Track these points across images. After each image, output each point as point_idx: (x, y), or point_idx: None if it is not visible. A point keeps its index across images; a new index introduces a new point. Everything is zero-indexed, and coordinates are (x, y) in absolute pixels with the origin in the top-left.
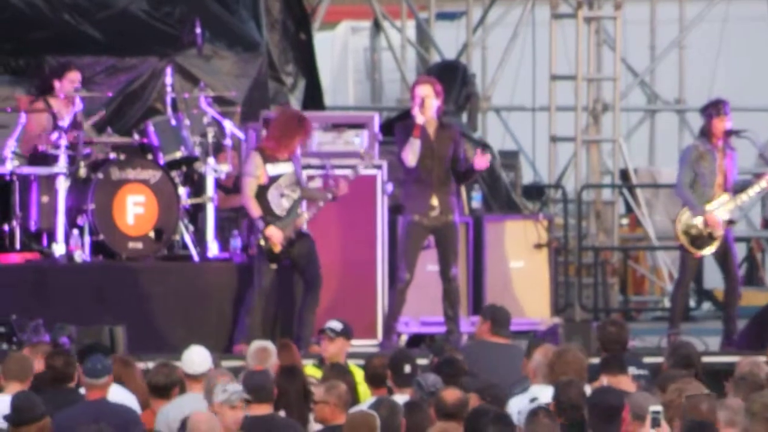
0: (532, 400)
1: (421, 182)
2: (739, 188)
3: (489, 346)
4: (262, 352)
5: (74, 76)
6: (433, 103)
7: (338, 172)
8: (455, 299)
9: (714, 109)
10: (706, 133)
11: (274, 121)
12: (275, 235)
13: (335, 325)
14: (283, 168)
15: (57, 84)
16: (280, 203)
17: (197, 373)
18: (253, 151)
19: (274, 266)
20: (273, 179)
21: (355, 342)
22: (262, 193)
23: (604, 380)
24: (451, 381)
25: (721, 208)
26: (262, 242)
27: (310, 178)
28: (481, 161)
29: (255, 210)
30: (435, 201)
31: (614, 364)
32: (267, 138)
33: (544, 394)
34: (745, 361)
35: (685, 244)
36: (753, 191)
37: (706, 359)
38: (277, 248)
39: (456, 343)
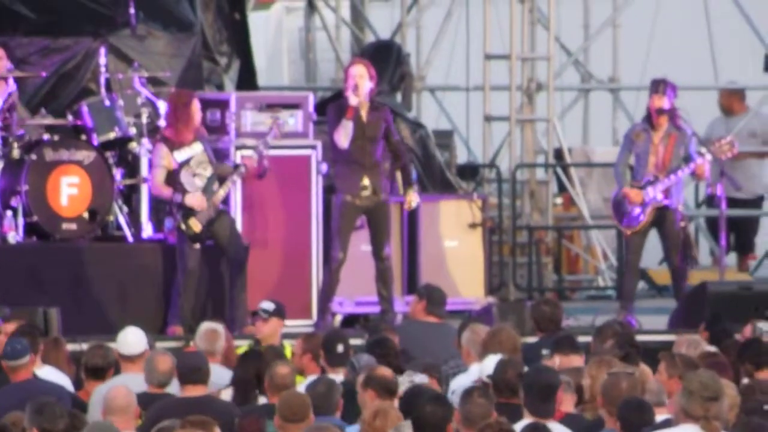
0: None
1: (352, 163)
2: (674, 169)
3: (422, 326)
4: (211, 334)
5: None
6: (366, 85)
7: (272, 152)
8: (389, 279)
9: (651, 87)
10: (648, 114)
11: (167, 108)
12: (197, 200)
13: (268, 305)
14: (191, 151)
15: None
16: (193, 183)
17: (132, 354)
18: (158, 143)
19: (197, 246)
20: (183, 164)
21: (289, 322)
22: (174, 177)
23: (557, 360)
24: (382, 361)
25: (648, 187)
26: (182, 225)
27: (246, 158)
28: (409, 200)
29: (166, 192)
30: (366, 181)
31: (566, 343)
32: (166, 127)
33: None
34: (682, 338)
35: (617, 223)
36: (681, 173)
37: (639, 338)
38: (198, 227)
39: (390, 323)
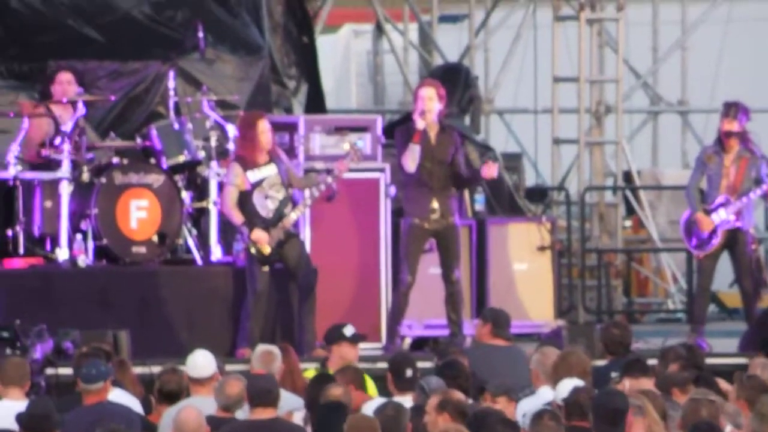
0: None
1: (421, 185)
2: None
3: (489, 349)
4: (267, 356)
5: (63, 77)
6: (435, 107)
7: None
8: (458, 302)
9: (722, 110)
10: (719, 137)
11: (236, 130)
12: (261, 237)
13: (353, 329)
14: (265, 172)
15: (52, 88)
16: (265, 205)
17: (202, 377)
18: (232, 162)
19: (266, 269)
20: (255, 185)
21: (359, 345)
22: (246, 198)
23: (626, 383)
24: (453, 383)
25: (720, 210)
26: (252, 249)
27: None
28: (488, 169)
29: (237, 218)
30: (435, 204)
31: (636, 367)
32: (238, 147)
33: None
34: (756, 361)
35: (688, 246)
36: (752, 195)
37: (710, 361)
38: (267, 249)
39: (460, 346)
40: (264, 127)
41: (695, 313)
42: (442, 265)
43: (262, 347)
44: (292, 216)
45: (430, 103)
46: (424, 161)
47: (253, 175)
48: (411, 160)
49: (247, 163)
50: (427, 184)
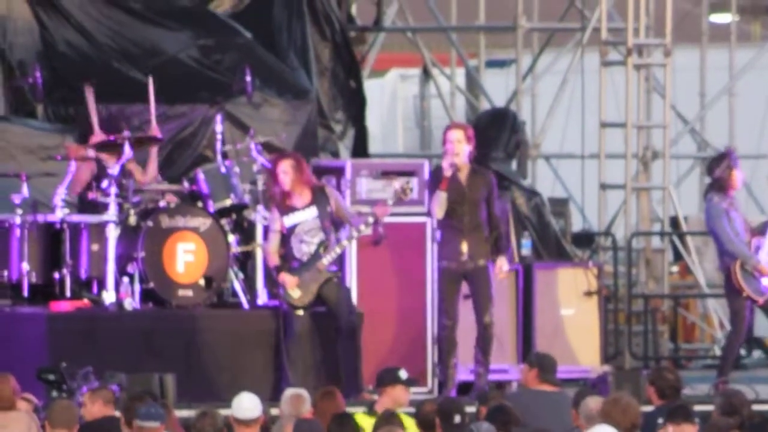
0: None
1: (452, 228)
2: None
3: (535, 394)
4: (296, 399)
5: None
6: (464, 149)
7: (388, 219)
8: (487, 346)
9: (731, 160)
10: (723, 187)
11: None
12: (288, 281)
13: (407, 373)
14: (301, 216)
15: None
16: (300, 249)
17: (248, 419)
18: (272, 206)
19: (301, 312)
20: (291, 229)
21: None
22: (284, 241)
23: (669, 429)
24: (503, 429)
25: (761, 254)
26: (284, 293)
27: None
28: (500, 265)
29: (272, 261)
30: (464, 247)
31: (680, 413)
32: (269, 189)
33: None
34: None
35: (749, 293)
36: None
37: (757, 407)
38: (295, 293)
39: (483, 389)
40: (283, 167)
41: (730, 358)
42: (474, 308)
43: (290, 391)
44: (325, 260)
45: (459, 146)
46: (454, 203)
47: (289, 220)
48: (437, 206)
49: (283, 208)
50: (457, 226)
